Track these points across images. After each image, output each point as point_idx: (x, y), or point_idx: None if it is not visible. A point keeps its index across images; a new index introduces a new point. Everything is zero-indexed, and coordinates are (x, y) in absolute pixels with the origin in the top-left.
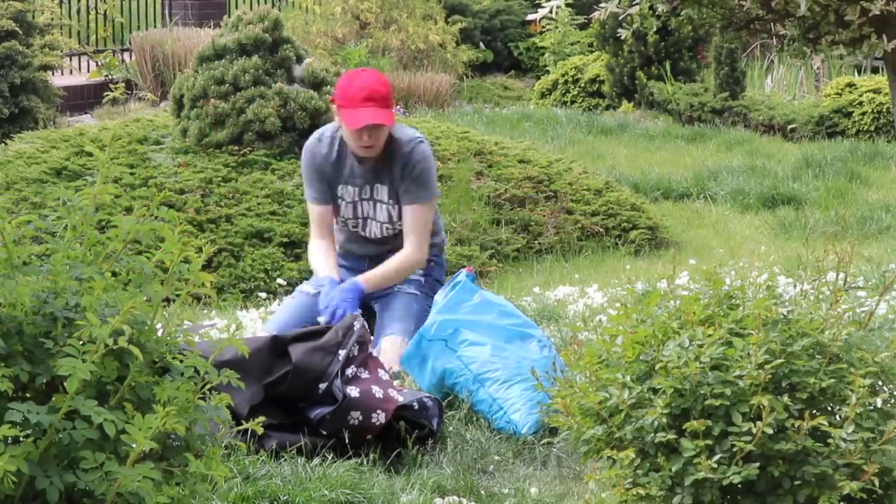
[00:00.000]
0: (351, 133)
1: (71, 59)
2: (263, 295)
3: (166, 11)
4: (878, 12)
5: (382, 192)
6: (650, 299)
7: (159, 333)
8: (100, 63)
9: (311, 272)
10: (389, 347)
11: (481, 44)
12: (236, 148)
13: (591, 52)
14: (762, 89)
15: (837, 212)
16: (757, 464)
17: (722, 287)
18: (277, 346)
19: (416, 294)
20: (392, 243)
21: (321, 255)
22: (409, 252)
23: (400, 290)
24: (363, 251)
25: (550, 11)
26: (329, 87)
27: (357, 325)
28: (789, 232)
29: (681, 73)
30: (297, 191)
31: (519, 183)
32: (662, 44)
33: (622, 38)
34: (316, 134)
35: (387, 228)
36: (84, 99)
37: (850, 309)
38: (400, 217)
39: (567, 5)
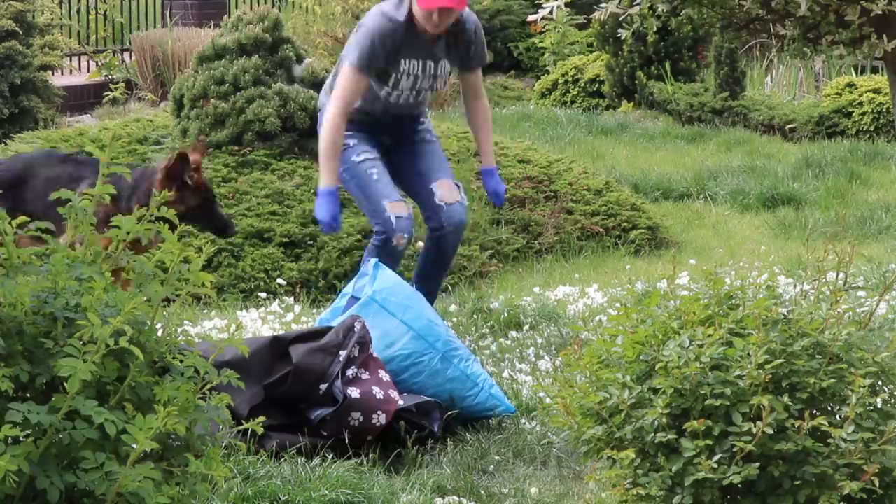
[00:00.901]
0: (423, 12)
1: (71, 59)
2: (263, 295)
3: (166, 11)
4: (879, 12)
5: (444, 67)
6: (650, 299)
7: (159, 333)
8: (100, 63)
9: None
10: (446, 187)
11: None
12: (236, 148)
13: (591, 52)
14: (762, 89)
15: (837, 212)
16: (757, 464)
17: (722, 287)
18: (278, 347)
19: (436, 139)
20: (412, 110)
21: (340, 149)
22: (488, 106)
23: (423, 138)
24: (383, 117)
25: (550, 12)
26: None
27: (357, 326)
28: (789, 232)
29: (681, 73)
30: (298, 191)
31: (519, 183)
32: (662, 44)
33: (622, 38)
34: (386, 13)
35: (422, 95)
36: (84, 99)
37: (850, 309)
38: (443, 86)
39: (567, 5)
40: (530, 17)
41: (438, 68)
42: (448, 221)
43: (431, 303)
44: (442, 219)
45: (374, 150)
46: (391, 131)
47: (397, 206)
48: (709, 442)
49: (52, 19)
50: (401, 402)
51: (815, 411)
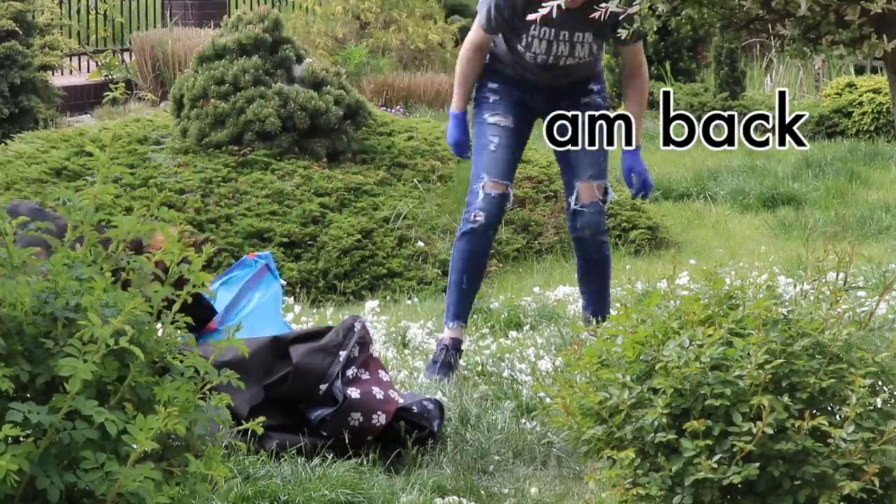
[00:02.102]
0: None
1: (71, 59)
2: None
3: (166, 11)
4: (879, 10)
5: (587, 37)
6: (650, 299)
7: (159, 333)
8: (100, 63)
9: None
10: (587, 189)
11: None
12: (236, 148)
13: None
14: (762, 89)
15: (837, 212)
16: (757, 464)
17: (722, 287)
18: (278, 347)
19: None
20: (572, 72)
21: (470, 79)
22: (646, 81)
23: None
24: (533, 74)
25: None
26: (329, 86)
27: (357, 326)
28: (789, 232)
29: (681, 73)
30: (298, 191)
31: (519, 183)
32: (662, 44)
33: (622, 38)
34: None
35: (578, 61)
36: (84, 99)
37: (850, 309)
38: (598, 51)
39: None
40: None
41: (575, 38)
42: (582, 224)
43: (599, 312)
44: (576, 223)
45: (511, 115)
46: (548, 94)
47: (495, 186)
48: (709, 442)
49: (52, 19)
50: (401, 402)
51: (815, 411)
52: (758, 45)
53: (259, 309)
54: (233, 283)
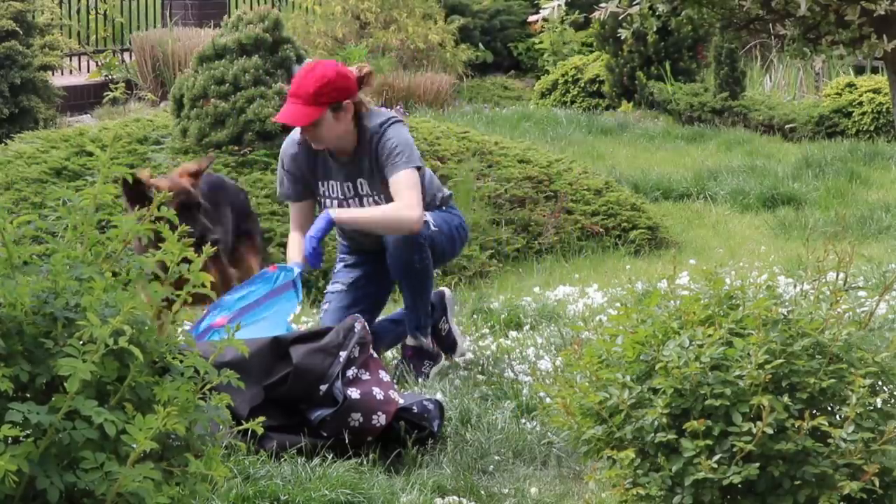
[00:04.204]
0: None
1: (71, 59)
2: None
3: (166, 11)
4: (882, 12)
5: (365, 186)
6: (650, 299)
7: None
8: (100, 63)
9: None
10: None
11: (480, 44)
12: (236, 148)
13: (589, 51)
14: (762, 89)
15: (837, 212)
16: (757, 464)
17: (722, 287)
18: (278, 348)
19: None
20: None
21: (293, 245)
22: (399, 204)
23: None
24: (368, 246)
25: (550, 13)
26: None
27: (358, 327)
28: (789, 232)
29: (681, 73)
30: None
31: (519, 183)
32: (662, 44)
33: (622, 38)
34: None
35: (367, 202)
36: (84, 99)
37: (850, 309)
38: (374, 192)
39: (567, 5)
40: (530, 18)
41: (359, 187)
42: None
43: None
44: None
45: (349, 275)
46: (378, 252)
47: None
48: (709, 442)
49: (52, 19)
50: (401, 402)
51: (815, 411)
52: (758, 45)
53: (271, 319)
54: (250, 298)
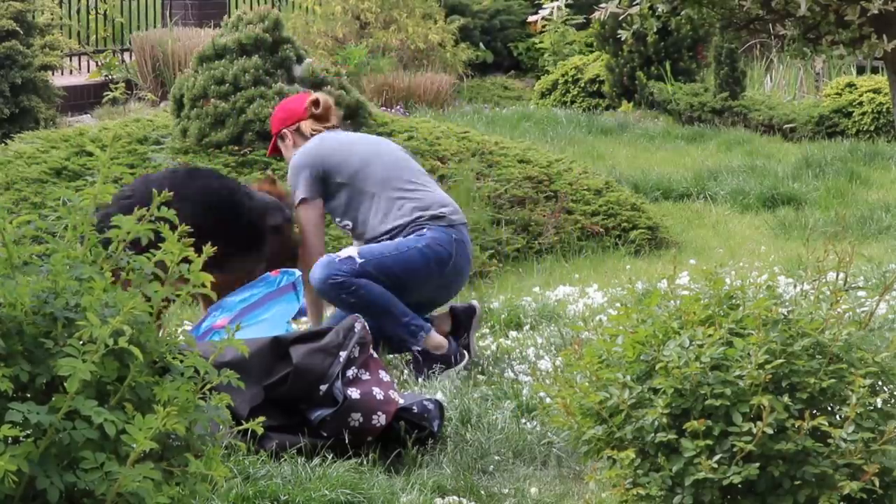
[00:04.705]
0: None
1: (71, 59)
2: None
3: (166, 11)
4: (876, 11)
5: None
6: (650, 299)
7: (159, 333)
8: (100, 63)
9: None
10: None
11: (481, 44)
12: (236, 148)
13: (590, 52)
14: (762, 89)
15: (837, 212)
16: (757, 464)
17: (722, 287)
18: (278, 348)
19: None
20: (359, 241)
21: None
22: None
23: None
24: None
25: (550, 13)
26: (329, 87)
27: (358, 327)
28: (789, 232)
29: (681, 73)
30: None
31: (519, 183)
32: (662, 44)
33: (622, 38)
34: None
35: (343, 231)
36: (84, 99)
37: (850, 309)
38: (335, 217)
39: (567, 5)
40: (530, 18)
41: None
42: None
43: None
44: None
45: None
46: None
47: None
48: (709, 442)
49: (53, 19)
50: (401, 402)
51: (815, 411)
52: (758, 45)
53: (270, 321)
54: (252, 300)
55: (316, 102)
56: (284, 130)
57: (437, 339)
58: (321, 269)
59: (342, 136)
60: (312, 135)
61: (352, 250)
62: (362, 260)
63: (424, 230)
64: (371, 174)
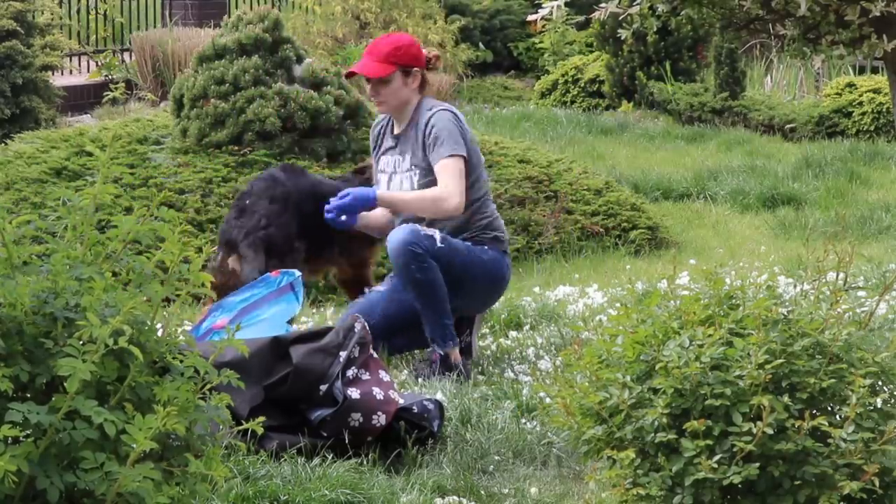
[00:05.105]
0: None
1: (71, 59)
2: None
3: (166, 11)
4: (878, 14)
5: (405, 163)
6: (650, 299)
7: (159, 333)
8: (100, 63)
9: None
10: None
11: (481, 44)
12: (236, 148)
13: (590, 52)
14: (762, 89)
15: (837, 212)
16: (757, 464)
17: (722, 287)
18: (278, 348)
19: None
20: (415, 221)
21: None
22: (438, 190)
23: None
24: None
25: (550, 13)
26: (329, 86)
27: (358, 327)
28: (789, 232)
29: (681, 73)
30: None
31: (519, 183)
32: (662, 44)
33: (622, 38)
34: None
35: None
36: (84, 99)
37: (850, 309)
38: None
39: (567, 5)
40: (530, 17)
41: (405, 162)
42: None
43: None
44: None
45: (392, 281)
46: None
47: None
48: (709, 442)
49: (53, 19)
50: (401, 402)
51: (815, 411)
52: (758, 45)
53: (269, 321)
54: (252, 300)
55: (438, 58)
56: (417, 69)
57: (457, 355)
58: (405, 233)
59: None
60: (427, 87)
61: (435, 231)
62: (442, 245)
63: (490, 248)
64: (482, 175)
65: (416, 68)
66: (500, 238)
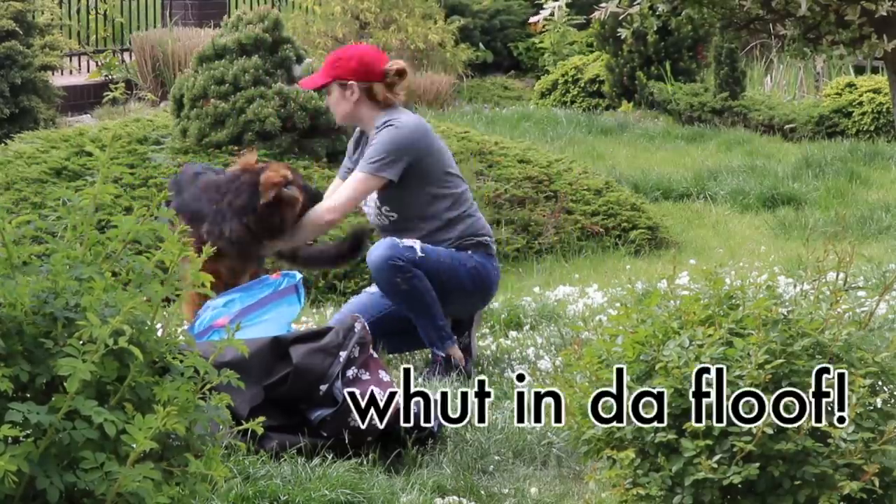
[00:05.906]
0: None
1: (71, 59)
2: None
3: (166, 11)
4: (884, 13)
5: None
6: (650, 299)
7: (159, 333)
8: (100, 63)
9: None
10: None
11: (481, 44)
12: (236, 148)
13: (590, 52)
14: (762, 89)
15: (837, 212)
16: (757, 464)
17: (722, 287)
18: (278, 348)
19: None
20: (390, 233)
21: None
22: (321, 205)
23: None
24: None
25: (552, 13)
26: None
27: (358, 327)
28: (789, 232)
29: (681, 73)
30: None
31: (519, 183)
32: (662, 44)
33: (622, 37)
34: None
35: (377, 216)
36: (84, 99)
37: (850, 309)
38: (384, 204)
39: (567, 5)
40: (532, 19)
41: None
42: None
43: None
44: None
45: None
46: None
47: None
48: (709, 442)
49: (52, 19)
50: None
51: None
52: (758, 45)
53: (271, 321)
54: (251, 301)
55: (401, 72)
56: (353, 83)
57: (458, 352)
58: (384, 248)
59: (436, 137)
60: (382, 101)
61: (414, 241)
62: (423, 255)
63: (474, 253)
64: (452, 181)
65: (352, 81)
66: (483, 242)
